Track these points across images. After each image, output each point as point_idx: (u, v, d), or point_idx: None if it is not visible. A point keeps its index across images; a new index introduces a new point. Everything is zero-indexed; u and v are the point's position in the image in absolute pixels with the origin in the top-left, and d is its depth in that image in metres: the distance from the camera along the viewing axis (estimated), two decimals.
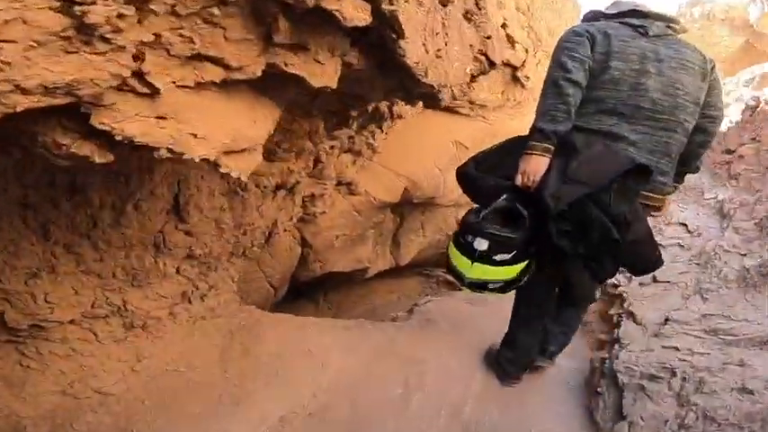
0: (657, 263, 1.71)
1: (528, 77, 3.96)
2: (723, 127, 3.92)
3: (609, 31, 1.60)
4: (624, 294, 2.48)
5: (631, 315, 2.28)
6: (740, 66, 7.91)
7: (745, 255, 2.40)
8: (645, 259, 1.68)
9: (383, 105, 2.97)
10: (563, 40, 1.60)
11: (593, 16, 1.79)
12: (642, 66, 1.57)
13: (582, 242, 1.51)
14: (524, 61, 3.81)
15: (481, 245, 1.54)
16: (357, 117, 2.65)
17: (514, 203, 1.57)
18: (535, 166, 1.54)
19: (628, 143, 1.58)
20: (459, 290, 3.46)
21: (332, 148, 2.90)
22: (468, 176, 1.75)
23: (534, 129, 1.57)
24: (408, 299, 4.87)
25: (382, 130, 3.30)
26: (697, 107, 1.65)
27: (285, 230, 3.08)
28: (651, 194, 1.65)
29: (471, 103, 3.81)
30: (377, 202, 3.63)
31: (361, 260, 4.19)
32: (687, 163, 1.75)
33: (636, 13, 1.67)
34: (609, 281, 2.43)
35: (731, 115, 4.04)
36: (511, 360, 2.10)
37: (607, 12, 1.74)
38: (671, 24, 1.67)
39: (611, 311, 2.50)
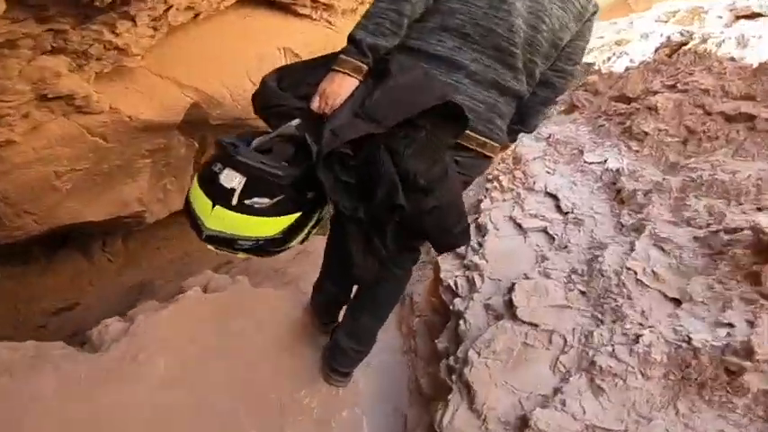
0: (461, 238, 1.32)
1: None
2: (620, 67, 3.07)
3: None
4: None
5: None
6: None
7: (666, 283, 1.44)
8: (444, 232, 1.27)
9: None
10: None
11: None
12: None
13: (363, 202, 1.12)
14: None
15: (230, 180, 1.08)
16: None
17: (304, 133, 1.13)
18: (338, 87, 1.12)
19: (465, 74, 1.22)
20: None
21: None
22: (265, 93, 1.24)
23: (349, 39, 1.14)
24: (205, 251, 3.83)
25: (135, 23, 2.25)
26: (554, 51, 1.31)
27: None
28: (486, 140, 1.28)
29: (314, 1, 3.04)
30: (135, 121, 2.70)
31: (128, 203, 2.93)
32: (524, 120, 1.42)
33: None
34: None
35: (632, 53, 3.07)
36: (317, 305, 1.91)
37: None
38: None
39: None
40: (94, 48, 2.18)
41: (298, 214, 1.15)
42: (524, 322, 1.50)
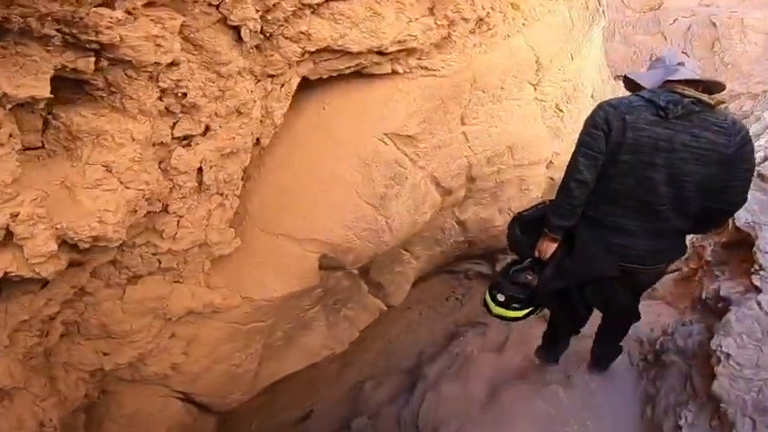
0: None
1: None
2: None
3: (628, 117, 1.72)
4: None
5: None
6: None
7: None
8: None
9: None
10: (584, 132, 1.81)
11: (633, 84, 1.94)
12: (651, 158, 1.73)
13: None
14: None
15: (501, 297, 2.12)
16: None
17: (531, 269, 2.09)
18: (546, 247, 2.01)
19: (629, 235, 1.88)
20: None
21: None
22: (514, 238, 2.18)
23: (547, 221, 1.97)
24: (435, 313, 4.47)
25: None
26: (707, 193, 1.78)
27: None
28: (655, 267, 2.02)
29: (382, 53, 2.42)
30: (274, 301, 2.61)
31: (316, 350, 3.19)
32: (698, 229, 2.12)
33: (667, 84, 1.78)
34: None
35: None
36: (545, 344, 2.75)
37: (643, 79, 1.88)
38: (700, 100, 1.71)
39: None
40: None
41: (530, 309, 2.13)
42: None
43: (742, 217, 2.59)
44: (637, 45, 6.43)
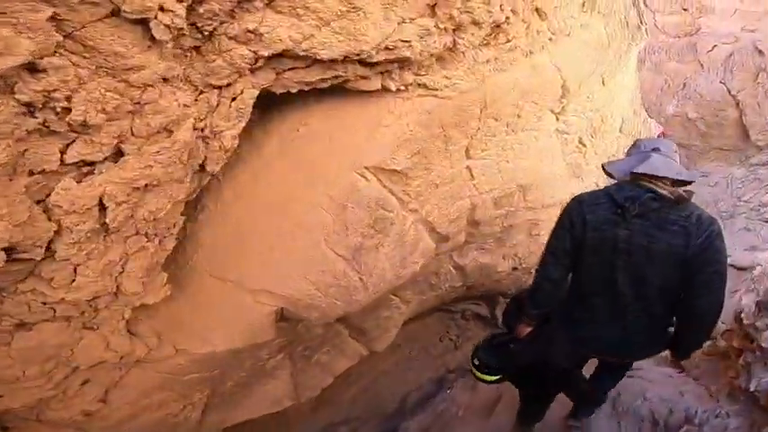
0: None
1: None
2: None
3: (588, 216, 1.72)
4: None
5: None
6: None
7: None
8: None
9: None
10: (553, 230, 1.86)
11: (616, 169, 1.82)
12: (612, 259, 1.71)
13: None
14: None
15: (476, 361, 2.29)
16: None
17: (510, 342, 2.19)
18: (522, 330, 2.08)
19: (598, 326, 1.85)
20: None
21: None
22: (508, 313, 2.33)
23: (524, 305, 2.04)
24: (426, 353, 4.24)
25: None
26: (668, 292, 1.71)
27: None
28: (624, 356, 2.04)
29: (365, 63, 1.89)
30: (219, 353, 2.14)
31: (279, 399, 2.72)
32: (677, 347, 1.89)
33: (633, 176, 1.71)
34: None
35: None
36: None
37: (614, 169, 1.81)
38: (661, 196, 1.64)
39: None
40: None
41: (498, 377, 2.29)
42: None
43: None
44: (669, 74, 5.84)
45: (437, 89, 2.07)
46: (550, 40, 2.36)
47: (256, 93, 1.86)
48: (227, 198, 2.13)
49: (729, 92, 5.76)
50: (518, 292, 2.38)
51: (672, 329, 1.84)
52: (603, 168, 1.89)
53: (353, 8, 1.58)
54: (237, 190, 2.12)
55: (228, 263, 2.10)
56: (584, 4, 2.45)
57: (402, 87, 2.07)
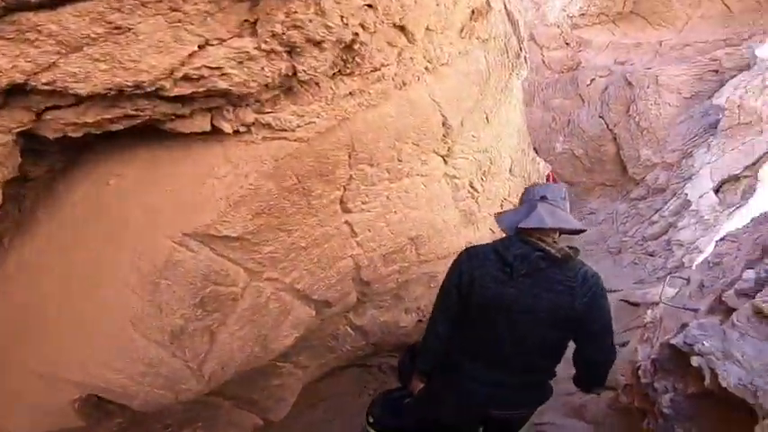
0: None
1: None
2: None
3: (476, 273, 1.73)
4: None
5: None
6: None
7: None
8: None
9: None
10: (442, 285, 1.86)
11: (505, 222, 1.84)
12: (496, 317, 1.71)
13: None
14: None
15: (369, 418, 2.23)
16: None
17: (405, 398, 2.14)
18: (415, 386, 2.03)
19: (483, 382, 1.78)
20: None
21: None
22: (403, 365, 2.31)
23: (416, 368, 2.02)
24: (342, 412, 3.76)
25: None
26: (551, 348, 1.76)
27: None
28: (510, 412, 1.88)
29: (174, 99, 1.42)
30: None
31: None
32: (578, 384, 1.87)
33: (524, 232, 1.72)
34: None
35: None
36: None
37: (503, 223, 1.83)
38: (549, 256, 1.65)
39: None
40: None
41: None
42: None
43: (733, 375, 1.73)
44: (555, 110, 6.06)
45: (286, 129, 1.61)
46: (427, 69, 2.05)
47: (9, 138, 1.27)
48: (10, 271, 1.55)
49: (607, 126, 6.10)
50: (412, 342, 2.30)
51: (552, 383, 1.89)
52: (496, 219, 1.91)
53: (115, 29, 1.08)
54: (24, 260, 1.55)
55: (13, 347, 1.50)
56: (462, 29, 2.18)
57: (241, 128, 1.58)
